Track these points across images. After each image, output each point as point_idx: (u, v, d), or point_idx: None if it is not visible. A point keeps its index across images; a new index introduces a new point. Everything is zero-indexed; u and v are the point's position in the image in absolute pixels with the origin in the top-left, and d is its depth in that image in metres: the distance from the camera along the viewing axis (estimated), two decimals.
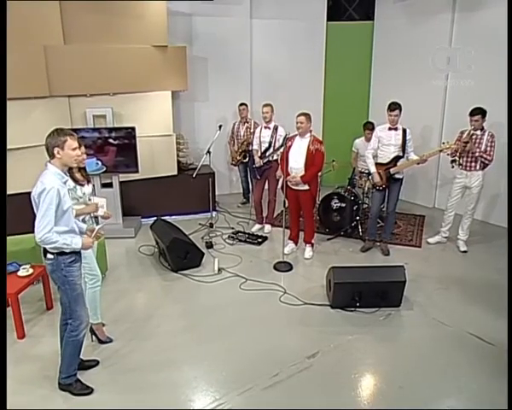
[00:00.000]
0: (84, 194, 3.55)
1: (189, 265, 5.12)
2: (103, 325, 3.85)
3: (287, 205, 5.30)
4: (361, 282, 4.21)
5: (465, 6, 6.49)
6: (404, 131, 5.29)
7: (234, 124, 7.19)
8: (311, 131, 5.20)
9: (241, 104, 7.02)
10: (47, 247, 2.88)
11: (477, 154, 5.24)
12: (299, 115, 5.15)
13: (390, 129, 5.30)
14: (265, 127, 6.05)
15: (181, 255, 5.05)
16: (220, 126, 6.36)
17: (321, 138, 8.12)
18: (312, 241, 5.59)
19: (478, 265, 5.31)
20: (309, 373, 3.47)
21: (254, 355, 3.67)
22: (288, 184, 5.23)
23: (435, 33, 6.81)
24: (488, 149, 5.23)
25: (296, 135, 5.23)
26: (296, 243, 5.68)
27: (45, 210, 2.76)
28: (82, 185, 3.59)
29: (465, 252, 5.59)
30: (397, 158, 5.30)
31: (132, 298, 4.60)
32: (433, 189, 7.36)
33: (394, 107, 5.21)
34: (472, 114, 5.23)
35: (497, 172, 5.86)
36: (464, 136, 5.28)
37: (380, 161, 5.40)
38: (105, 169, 5.80)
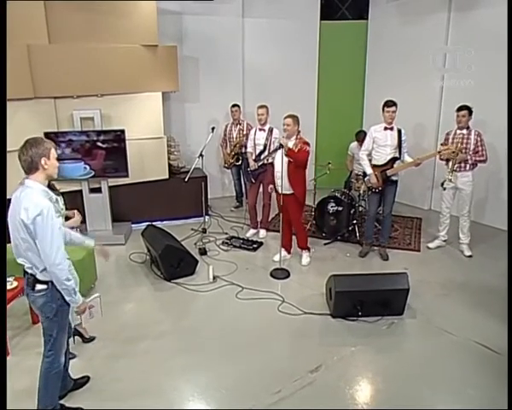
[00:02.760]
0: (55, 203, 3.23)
1: (182, 273, 4.92)
2: None
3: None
4: (363, 290, 4.06)
5: (461, 5, 6.39)
6: (399, 131, 5.15)
7: (226, 126, 7.00)
8: (299, 133, 4.94)
9: (234, 105, 6.83)
10: (58, 275, 2.58)
11: (470, 161, 5.19)
12: (286, 117, 4.93)
13: (386, 129, 5.16)
14: (260, 129, 5.87)
15: (174, 263, 4.85)
16: (213, 129, 6.16)
17: (314, 140, 8.14)
18: (308, 245, 5.39)
19: (478, 268, 5.21)
20: (312, 389, 3.31)
21: (254, 371, 3.50)
22: (276, 186, 5.07)
23: (431, 33, 6.71)
24: (479, 149, 5.18)
25: (283, 137, 5.00)
26: (289, 251, 5.44)
27: (51, 234, 2.49)
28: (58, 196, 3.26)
29: (470, 256, 5.46)
30: (393, 160, 5.17)
31: (123, 311, 4.36)
32: (429, 190, 7.27)
33: (391, 103, 5.07)
34: (459, 109, 5.21)
35: (486, 172, 5.75)
36: (450, 143, 5.26)
37: (376, 162, 5.26)
38: (93, 174, 5.62)
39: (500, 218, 6.28)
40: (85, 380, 3.32)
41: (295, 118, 4.90)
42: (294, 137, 4.90)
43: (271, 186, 5.23)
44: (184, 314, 4.33)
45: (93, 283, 4.69)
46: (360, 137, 6.37)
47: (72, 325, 3.54)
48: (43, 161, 2.55)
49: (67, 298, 2.69)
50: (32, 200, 2.49)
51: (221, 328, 4.07)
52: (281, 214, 5.14)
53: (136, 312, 4.38)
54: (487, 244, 5.83)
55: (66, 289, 2.63)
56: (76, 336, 3.75)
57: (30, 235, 2.52)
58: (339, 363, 3.59)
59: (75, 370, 3.33)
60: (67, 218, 3.42)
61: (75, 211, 3.61)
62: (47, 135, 5.21)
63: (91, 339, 3.84)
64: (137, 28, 5.78)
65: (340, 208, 5.89)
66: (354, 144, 6.59)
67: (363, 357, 3.68)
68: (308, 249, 5.39)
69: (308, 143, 4.93)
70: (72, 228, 3.19)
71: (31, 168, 2.55)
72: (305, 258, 5.35)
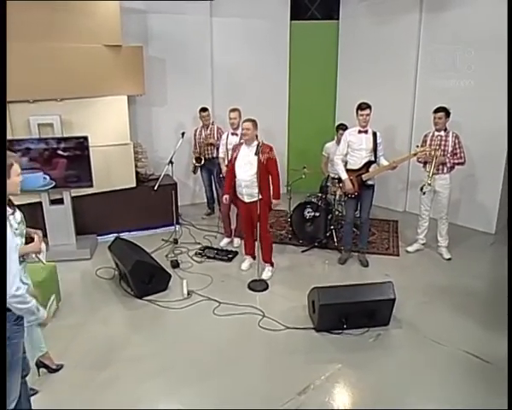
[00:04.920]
0: (18, 224, 2.85)
1: (154, 289, 4.59)
2: None
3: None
4: (348, 302, 3.87)
5: (432, 6, 6.36)
6: (375, 134, 5.03)
7: (195, 130, 6.69)
8: (257, 137, 4.78)
9: (203, 109, 6.54)
10: (17, 306, 2.25)
11: (448, 164, 5.14)
12: (245, 121, 4.76)
13: (360, 132, 5.03)
14: (233, 134, 5.61)
15: (145, 279, 4.52)
16: (183, 134, 5.85)
17: (286, 142, 7.97)
18: (272, 260, 5.10)
19: (458, 272, 5.14)
20: None
21: (238, 396, 3.23)
22: (238, 195, 4.88)
23: (402, 33, 6.65)
24: (457, 151, 5.13)
25: (241, 144, 4.87)
26: (254, 257, 5.15)
27: (9, 257, 2.15)
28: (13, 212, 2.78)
29: (449, 259, 5.40)
30: (369, 163, 5.04)
31: (92, 334, 3.99)
32: (404, 192, 7.21)
33: (365, 106, 4.94)
34: (436, 111, 5.15)
35: (460, 173, 5.68)
36: (427, 145, 5.18)
37: (351, 166, 5.12)
38: (54, 184, 5.21)
39: (474, 218, 6.30)
40: None
41: (254, 122, 4.75)
42: (255, 142, 4.69)
43: (226, 197, 4.96)
44: (157, 334, 4.01)
45: (57, 304, 4.30)
46: (342, 128, 5.91)
47: (33, 361, 3.20)
48: None
49: (31, 318, 2.42)
50: None
51: (198, 348, 3.78)
52: (242, 220, 5.04)
53: (105, 334, 4.01)
54: (464, 246, 5.80)
55: (27, 312, 2.34)
56: (41, 368, 3.39)
57: None
58: (327, 382, 3.38)
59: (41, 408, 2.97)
60: (28, 239, 3.01)
61: (38, 232, 3.13)
62: None
63: (59, 368, 3.47)
64: (99, 27, 5.39)
65: (317, 214, 5.70)
66: (329, 145, 6.37)
67: (352, 373, 3.48)
68: (272, 264, 5.11)
69: (272, 148, 4.76)
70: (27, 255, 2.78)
71: None
72: (267, 272, 5.02)
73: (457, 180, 5.74)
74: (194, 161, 6.63)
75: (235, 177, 4.83)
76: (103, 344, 3.85)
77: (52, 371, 3.44)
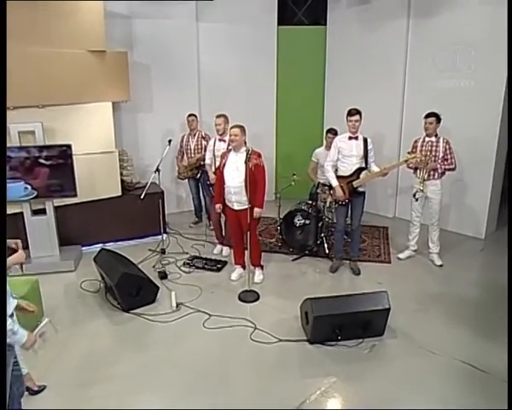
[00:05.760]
0: None
1: (142, 302, 4.44)
2: None
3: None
4: (342, 313, 3.78)
5: (420, 12, 6.35)
6: (365, 140, 4.97)
7: (183, 136, 6.55)
8: (245, 143, 4.73)
9: (190, 115, 6.41)
10: None
11: (440, 170, 5.11)
12: (232, 127, 4.71)
13: (350, 138, 4.96)
14: (220, 140, 5.49)
15: (132, 292, 4.37)
16: (170, 141, 5.71)
17: (274, 149, 7.88)
18: (262, 263, 5.10)
19: (451, 279, 5.10)
20: None
21: None
22: (227, 203, 4.80)
23: (391, 38, 6.63)
24: (448, 156, 5.10)
25: (230, 150, 4.80)
26: (244, 266, 5.08)
27: None
28: None
29: (441, 266, 5.35)
30: (359, 170, 4.98)
31: (76, 351, 3.81)
32: (393, 198, 7.17)
33: (355, 111, 4.88)
34: (427, 116, 5.11)
35: (449, 179, 5.64)
36: (418, 151, 5.14)
37: (341, 173, 5.04)
38: (36, 194, 5.04)
39: (464, 224, 6.29)
40: None
41: (242, 128, 4.69)
42: (244, 148, 4.64)
43: (219, 205, 4.89)
44: (146, 350, 3.86)
45: (39, 320, 4.10)
46: (332, 132, 5.91)
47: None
48: None
49: (8, 341, 2.27)
50: None
51: (189, 363, 3.64)
52: (230, 229, 4.97)
53: (91, 351, 3.85)
54: (455, 252, 5.76)
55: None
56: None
57: None
58: (323, 397, 3.27)
59: None
60: (10, 251, 2.86)
61: (18, 241, 2.99)
62: None
63: (41, 390, 3.30)
64: (83, 32, 5.25)
65: (308, 222, 5.61)
66: (319, 150, 6.26)
67: (348, 386, 3.38)
68: (262, 267, 5.10)
69: (260, 155, 4.70)
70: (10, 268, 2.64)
71: None
72: (259, 275, 5.05)
73: (446, 186, 5.71)
74: (189, 172, 6.43)
75: (224, 184, 4.73)
76: (89, 361, 3.69)
77: (33, 393, 3.27)
